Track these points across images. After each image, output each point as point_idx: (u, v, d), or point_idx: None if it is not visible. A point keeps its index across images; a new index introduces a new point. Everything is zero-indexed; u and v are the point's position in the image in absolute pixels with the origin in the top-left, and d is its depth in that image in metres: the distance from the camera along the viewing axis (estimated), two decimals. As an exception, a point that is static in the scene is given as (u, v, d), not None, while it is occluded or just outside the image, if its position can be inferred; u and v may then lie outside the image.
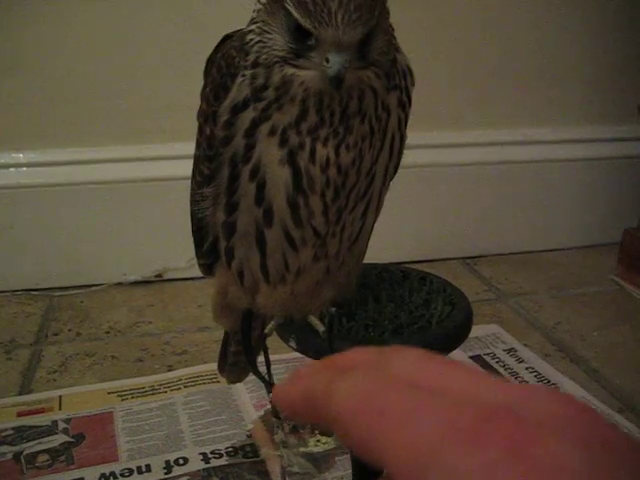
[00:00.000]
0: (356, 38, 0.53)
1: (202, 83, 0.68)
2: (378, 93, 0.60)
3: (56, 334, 1.24)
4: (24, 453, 0.90)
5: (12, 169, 1.37)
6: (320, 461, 0.89)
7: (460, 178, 1.57)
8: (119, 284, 1.43)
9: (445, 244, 1.60)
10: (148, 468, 0.88)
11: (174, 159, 1.40)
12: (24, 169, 1.38)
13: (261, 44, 0.57)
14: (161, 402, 1.02)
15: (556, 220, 1.66)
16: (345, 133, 0.58)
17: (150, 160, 1.40)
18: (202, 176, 0.64)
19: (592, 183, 1.66)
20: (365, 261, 1.48)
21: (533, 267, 1.58)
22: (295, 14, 0.53)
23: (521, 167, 1.60)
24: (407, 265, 1.54)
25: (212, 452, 0.90)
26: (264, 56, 0.57)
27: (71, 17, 1.31)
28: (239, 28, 0.64)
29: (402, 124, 0.64)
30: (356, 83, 0.57)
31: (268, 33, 0.57)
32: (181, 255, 1.42)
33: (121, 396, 1.03)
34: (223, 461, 0.89)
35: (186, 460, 0.89)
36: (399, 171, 0.67)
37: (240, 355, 0.84)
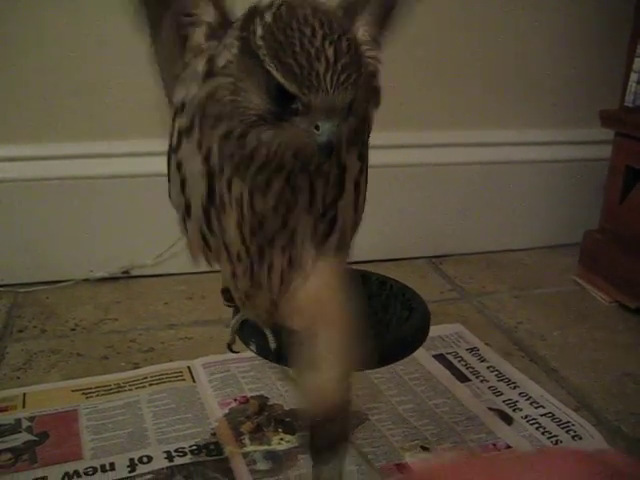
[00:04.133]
0: (347, 101, 0.49)
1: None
2: (340, 154, 0.57)
3: (21, 331, 1.23)
4: (-14, 452, 0.90)
5: (-23, 164, 1.36)
6: (283, 459, 0.90)
7: (426, 178, 1.59)
8: (85, 280, 1.42)
9: (411, 243, 1.62)
10: (112, 466, 0.88)
11: (142, 156, 1.39)
12: (-11, 164, 1.36)
13: (234, 104, 0.51)
14: (126, 400, 1.02)
15: (519, 221, 1.69)
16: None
17: (118, 156, 1.40)
18: None
19: (555, 185, 1.70)
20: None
21: (496, 267, 1.61)
22: (279, 77, 0.47)
23: (486, 168, 1.63)
24: (375, 262, 1.58)
25: (176, 450, 0.91)
26: (239, 117, 0.51)
27: (42, 13, 1.29)
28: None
29: (362, 172, 0.64)
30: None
31: (242, 91, 0.50)
32: (148, 252, 1.42)
33: (86, 394, 1.03)
34: (187, 459, 0.89)
35: (150, 458, 0.89)
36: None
37: None
